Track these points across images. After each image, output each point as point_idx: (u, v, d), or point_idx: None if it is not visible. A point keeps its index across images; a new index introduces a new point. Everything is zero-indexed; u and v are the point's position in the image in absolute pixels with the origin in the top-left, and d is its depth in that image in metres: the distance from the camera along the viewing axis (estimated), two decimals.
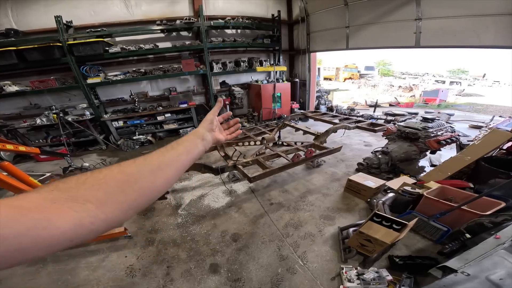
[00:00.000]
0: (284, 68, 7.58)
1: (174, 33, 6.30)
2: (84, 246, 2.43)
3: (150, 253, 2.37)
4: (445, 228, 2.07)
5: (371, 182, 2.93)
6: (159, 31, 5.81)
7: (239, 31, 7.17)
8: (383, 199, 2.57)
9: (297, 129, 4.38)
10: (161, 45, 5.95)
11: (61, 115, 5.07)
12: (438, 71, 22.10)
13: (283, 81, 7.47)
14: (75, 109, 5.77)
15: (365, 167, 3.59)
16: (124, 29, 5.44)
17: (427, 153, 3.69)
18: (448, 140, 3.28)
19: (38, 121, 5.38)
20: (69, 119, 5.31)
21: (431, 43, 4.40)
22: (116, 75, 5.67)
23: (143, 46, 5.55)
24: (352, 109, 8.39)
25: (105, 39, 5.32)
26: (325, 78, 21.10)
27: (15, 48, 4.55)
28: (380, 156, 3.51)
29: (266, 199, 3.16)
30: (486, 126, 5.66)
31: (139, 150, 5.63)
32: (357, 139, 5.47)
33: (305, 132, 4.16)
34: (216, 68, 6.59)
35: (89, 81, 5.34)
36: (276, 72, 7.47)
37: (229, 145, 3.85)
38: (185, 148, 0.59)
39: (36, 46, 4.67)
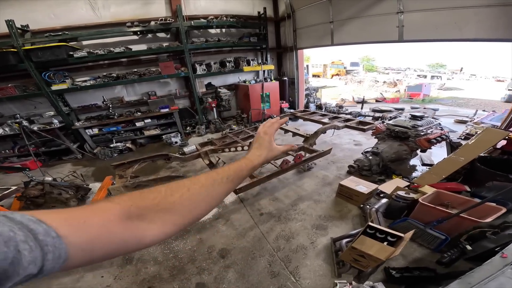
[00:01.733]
0: (272, 67, 7.37)
1: (149, 35, 5.90)
2: None
3: (128, 272, 2.16)
4: (443, 236, 1.95)
5: (363, 187, 2.79)
6: (132, 33, 5.39)
7: (223, 30, 6.86)
8: (376, 206, 2.43)
9: (286, 131, 4.19)
10: (135, 47, 5.56)
11: (24, 124, 4.57)
12: (418, 66, 22.76)
13: (271, 80, 7.26)
14: (42, 117, 5.27)
15: (356, 169, 3.46)
16: (90, 32, 4.99)
17: (418, 151, 3.62)
18: (439, 138, 3.21)
19: (1, 131, 4.86)
20: (35, 128, 4.82)
21: (414, 37, 4.34)
22: (85, 81, 5.22)
23: (113, 49, 5.12)
24: (341, 107, 8.35)
25: (70, 43, 4.89)
26: (313, 75, 21.14)
27: None
28: (370, 157, 3.40)
29: (256, 209, 2.95)
30: (471, 121, 5.78)
31: (117, 158, 5.23)
32: (347, 138, 5.38)
33: (295, 134, 3.98)
34: (200, 69, 6.26)
35: (54, 87, 4.88)
36: (264, 71, 7.25)
37: (214, 151, 3.60)
38: (240, 181, 0.61)
39: None
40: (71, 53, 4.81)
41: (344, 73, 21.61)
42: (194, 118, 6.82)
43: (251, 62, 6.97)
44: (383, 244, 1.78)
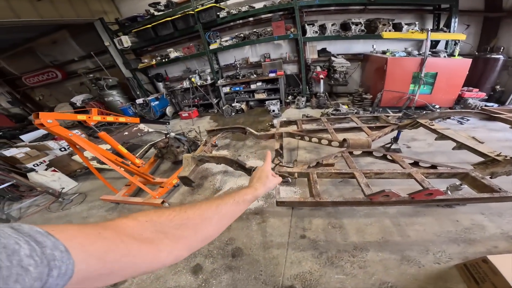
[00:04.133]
0: (461, 37, 4.40)
1: None
2: None
3: None
4: None
5: None
6: None
7: None
8: None
9: (442, 136, 2.59)
10: (257, 5, 5.53)
11: (192, 80, 6.56)
12: None
13: (453, 55, 4.47)
14: (205, 74, 7.16)
15: None
16: None
17: None
18: None
19: (185, 84, 7.33)
20: (198, 83, 6.79)
21: None
22: (226, 41, 6.17)
23: (241, 8, 5.42)
24: None
25: (218, 4, 5.66)
26: None
27: (170, 18, 5.87)
28: None
29: (300, 227, 2.38)
30: None
31: (234, 116, 6.26)
32: None
33: (461, 145, 2.36)
34: (310, 31, 5.19)
35: (211, 47, 6.24)
36: (434, 41, 4.79)
37: (291, 135, 3.14)
38: (244, 207, 0.67)
39: (179, 15, 5.82)
40: (218, 13, 5.70)
41: None
42: (299, 87, 6.21)
43: (405, 26, 4.56)
44: None
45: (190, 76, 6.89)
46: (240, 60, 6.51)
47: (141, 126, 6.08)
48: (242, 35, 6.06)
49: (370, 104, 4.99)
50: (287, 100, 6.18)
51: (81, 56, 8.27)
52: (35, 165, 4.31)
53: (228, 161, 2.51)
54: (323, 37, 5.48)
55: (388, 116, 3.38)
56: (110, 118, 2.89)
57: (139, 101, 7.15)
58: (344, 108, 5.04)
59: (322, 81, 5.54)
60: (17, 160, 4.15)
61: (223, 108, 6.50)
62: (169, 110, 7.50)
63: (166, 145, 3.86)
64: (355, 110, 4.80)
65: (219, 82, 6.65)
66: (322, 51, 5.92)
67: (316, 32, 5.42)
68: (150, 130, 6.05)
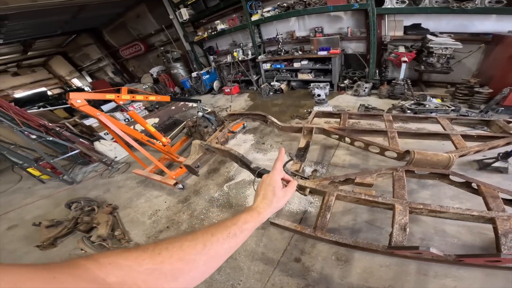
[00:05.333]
0: None
1: None
2: None
3: None
4: None
5: None
6: None
7: None
8: None
9: None
10: None
11: (234, 54, 6.25)
12: None
13: None
14: (247, 48, 6.67)
15: None
16: None
17: None
18: None
19: (228, 58, 7.07)
20: (240, 58, 6.44)
21: None
22: (268, 11, 5.38)
23: None
24: None
25: None
26: None
27: None
28: None
29: (300, 248, 2.00)
30: None
31: (271, 96, 5.76)
32: None
33: None
34: (392, 2, 3.75)
35: (253, 18, 5.62)
36: None
37: (326, 132, 2.56)
38: (244, 238, 0.54)
39: None
40: None
41: None
42: (363, 70, 4.92)
43: None
44: None
45: (234, 50, 6.58)
46: (283, 34, 5.63)
47: (199, 113, 6.31)
48: (285, 4, 5.12)
49: (484, 100, 3.47)
50: (342, 85, 5.05)
51: (156, 29, 8.82)
52: (106, 133, 4.82)
53: (233, 156, 2.26)
54: (415, 9, 3.96)
55: (510, 123, 2.16)
56: (139, 97, 2.99)
57: (194, 74, 7.49)
58: (433, 102, 3.65)
59: (404, 65, 4.15)
60: (94, 129, 4.98)
61: (261, 86, 6.05)
62: (216, 84, 7.56)
63: (195, 124, 3.87)
64: (453, 107, 3.40)
65: (259, 57, 6.11)
66: (413, 28, 4.34)
67: (403, 2, 3.99)
68: (195, 105, 6.29)
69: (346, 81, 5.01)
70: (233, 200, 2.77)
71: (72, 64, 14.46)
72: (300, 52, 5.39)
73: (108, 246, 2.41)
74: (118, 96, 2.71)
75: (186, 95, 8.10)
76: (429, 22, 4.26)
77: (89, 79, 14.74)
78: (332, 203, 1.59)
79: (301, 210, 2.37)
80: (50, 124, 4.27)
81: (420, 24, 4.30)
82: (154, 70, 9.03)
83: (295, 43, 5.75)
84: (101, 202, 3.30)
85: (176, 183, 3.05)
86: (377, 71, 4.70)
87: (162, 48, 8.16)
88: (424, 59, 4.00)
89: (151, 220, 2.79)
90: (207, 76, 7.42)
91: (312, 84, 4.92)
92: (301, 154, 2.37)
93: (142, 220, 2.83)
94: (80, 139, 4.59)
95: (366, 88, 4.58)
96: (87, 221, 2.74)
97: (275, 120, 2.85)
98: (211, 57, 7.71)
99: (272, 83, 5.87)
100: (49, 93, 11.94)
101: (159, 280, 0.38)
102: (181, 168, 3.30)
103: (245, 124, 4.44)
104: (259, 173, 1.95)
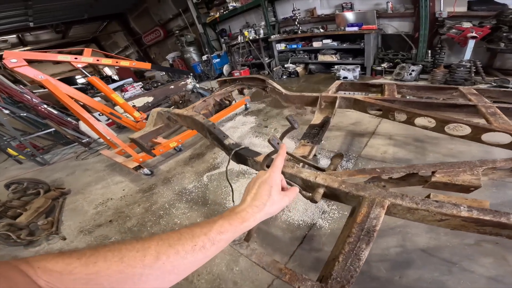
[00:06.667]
0: None
1: None
2: None
3: None
4: None
5: None
6: None
7: None
8: None
9: None
10: None
11: (244, 33, 5.49)
12: None
13: None
14: (259, 28, 5.87)
15: None
16: None
17: None
18: None
19: (239, 39, 6.38)
20: (250, 38, 5.64)
21: None
22: None
23: None
24: None
25: None
26: None
27: None
28: None
29: (299, 264, 1.13)
30: None
31: (284, 80, 4.85)
32: None
33: None
34: None
35: None
36: None
37: (358, 105, 1.66)
38: (217, 250, 0.41)
39: None
40: None
41: None
42: (408, 51, 3.82)
43: None
44: None
45: (245, 30, 5.86)
46: (300, 12, 4.68)
47: (188, 81, 5.76)
48: None
49: None
50: (378, 68, 3.93)
51: (174, 14, 8.53)
52: (99, 114, 4.32)
53: (199, 126, 1.42)
54: None
55: None
56: (106, 61, 2.40)
57: (204, 57, 7.01)
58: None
59: (472, 42, 3.02)
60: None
61: (274, 69, 5.16)
62: (226, 68, 7.00)
63: (183, 99, 3.12)
64: None
65: (272, 37, 5.23)
66: (482, 2, 3.23)
67: None
68: (195, 84, 5.66)
69: (384, 64, 3.90)
70: (211, 196, 1.96)
71: (103, 53, 14.95)
72: (321, 30, 4.40)
73: (14, 237, 1.74)
74: (76, 58, 2.15)
75: (197, 80, 7.59)
76: None
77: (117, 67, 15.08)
78: (377, 223, 0.65)
79: (307, 222, 1.45)
80: (33, 100, 3.89)
81: None
82: (170, 56, 8.73)
83: (315, 22, 4.73)
84: (57, 186, 2.63)
85: (139, 167, 2.28)
86: (429, 52, 3.59)
87: (177, 31, 7.93)
88: (504, 34, 2.83)
89: (96, 210, 2.13)
90: (218, 60, 6.94)
91: (336, 67, 3.90)
92: (314, 133, 1.46)
93: (86, 209, 2.19)
94: (68, 118, 4.19)
95: (413, 71, 3.45)
96: (15, 206, 2.05)
97: (278, 86, 1.95)
98: (223, 40, 7.14)
99: (286, 65, 4.95)
100: (81, 80, 12.14)
101: None
102: (153, 149, 2.53)
103: (247, 105, 3.60)
104: (236, 153, 1.18)
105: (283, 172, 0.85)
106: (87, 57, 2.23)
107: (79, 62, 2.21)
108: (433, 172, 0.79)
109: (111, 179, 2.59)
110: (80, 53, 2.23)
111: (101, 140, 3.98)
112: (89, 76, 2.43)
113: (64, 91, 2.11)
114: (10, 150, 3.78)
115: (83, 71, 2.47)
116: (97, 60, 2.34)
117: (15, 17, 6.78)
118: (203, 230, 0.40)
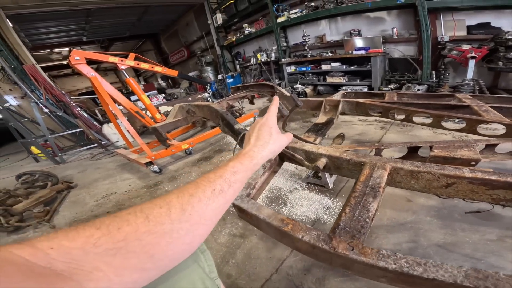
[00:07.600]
0: None
1: None
2: None
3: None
4: None
5: None
6: None
7: None
8: None
9: None
10: None
11: (257, 56, 5.96)
12: None
13: None
14: (271, 52, 6.32)
15: None
16: None
17: None
18: None
19: (252, 61, 6.89)
20: (262, 60, 6.09)
21: None
22: (295, 13, 5.03)
23: None
24: None
25: None
26: None
27: None
28: None
29: (297, 282, 1.05)
30: None
31: None
32: None
33: None
34: None
35: (278, 20, 5.35)
36: None
37: (360, 108, 1.76)
38: (235, 194, 0.42)
39: None
40: None
41: None
42: (414, 73, 4.02)
43: None
44: None
45: (257, 53, 6.39)
46: (310, 38, 5.13)
47: (205, 95, 6.13)
48: (313, 4, 4.69)
49: None
50: (385, 89, 4.14)
51: (198, 36, 9.40)
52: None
53: (213, 114, 1.53)
54: (480, 6, 3.26)
55: None
56: (144, 65, 2.75)
57: (219, 77, 7.47)
58: None
59: (472, 62, 3.23)
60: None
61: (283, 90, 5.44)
62: None
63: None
64: None
65: (283, 60, 5.64)
66: (480, 27, 3.56)
67: None
68: (209, 98, 6.00)
69: (391, 85, 4.08)
70: None
71: (134, 70, 16.28)
72: (330, 54, 4.74)
73: (3, 221, 1.78)
74: (122, 60, 2.51)
75: (211, 96, 8.12)
76: (501, 20, 3.39)
77: (143, 83, 16.26)
78: (380, 181, 0.68)
79: (310, 217, 1.43)
80: (70, 101, 4.38)
81: (489, 23, 3.45)
82: (191, 75, 9.53)
83: (325, 48, 5.13)
84: (66, 180, 2.73)
85: (150, 163, 2.36)
86: (433, 73, 3.78)
87: (199, 52, 8.78)
88: (502, 54, 3.00)
89: (96, 202, 2.18)
90: (231, 80, 7.43)
91: (344, 88, 4.09)
92: (318, 128, 1.53)
93: (87, 201, 2.24)
94: (94, 122, 4.56)
95: (418, 90, 3.59)
96: (19, 195, 2.14)
97: (284, 91, 2.10)
98: (237, 62, 7.80)
99: (295, 86, 5.23)
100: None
101: (130, 260, 0.27)
102: (166, 149, 2.67)
103: (256, 118, 3.75)
104: (243, 137, 1.20)
105: (286, 147, 0.92)
106: (130, 61, 2.56)
107: (124, 64, 2.54)
108: (430, 147, 0.82)
109: (119, 176, 2.68)
110: (126, 57, 2.58)
111: (118, 143, 4.22)
112: (128, 77, 2.71)
113: (105, 88, 2.37)
114: (33, 148, 4.00)
115: (124, 72, 2.78)
116: (137, 64, 2.65)
117: (73, 31, 7.70)
118: (217, 174, 0.40)
